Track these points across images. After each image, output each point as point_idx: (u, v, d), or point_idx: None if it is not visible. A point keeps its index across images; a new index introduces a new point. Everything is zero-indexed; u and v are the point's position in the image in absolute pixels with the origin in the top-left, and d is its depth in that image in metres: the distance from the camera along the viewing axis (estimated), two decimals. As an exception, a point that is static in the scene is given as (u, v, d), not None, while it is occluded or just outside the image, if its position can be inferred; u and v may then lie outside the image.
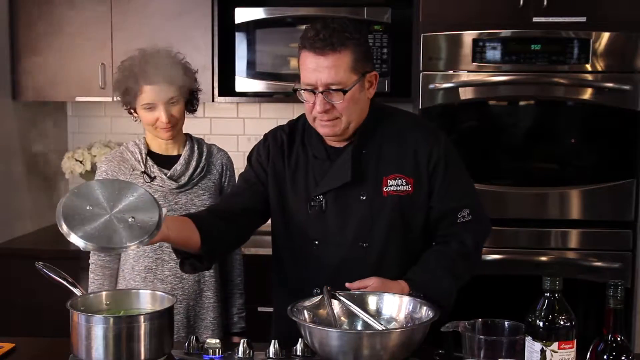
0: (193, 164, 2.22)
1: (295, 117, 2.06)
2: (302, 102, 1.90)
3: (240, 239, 2.01)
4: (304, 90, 1.84)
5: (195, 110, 2.29)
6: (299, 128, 2.02)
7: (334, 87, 1.80)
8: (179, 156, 2.23)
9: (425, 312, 1.67)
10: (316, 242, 1.94)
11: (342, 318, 1.73)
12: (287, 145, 1.99)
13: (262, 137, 2.06)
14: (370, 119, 1.93)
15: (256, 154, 2.03)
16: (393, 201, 1.91)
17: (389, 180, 1.91)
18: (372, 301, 1.75)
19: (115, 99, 2.24)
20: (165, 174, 2.19)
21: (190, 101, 2.24)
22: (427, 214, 1.95)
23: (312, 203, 1.93)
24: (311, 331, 1.57)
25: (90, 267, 2.21)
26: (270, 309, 2.11)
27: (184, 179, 2.20)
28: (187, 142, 2.26)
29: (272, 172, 1.99)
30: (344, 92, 1.80)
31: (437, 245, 1.98)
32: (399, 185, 1.91)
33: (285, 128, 2.04)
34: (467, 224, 1.94)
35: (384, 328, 1.67)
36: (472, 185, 2.03)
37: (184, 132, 2.28)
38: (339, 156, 1.92)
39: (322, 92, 1.81)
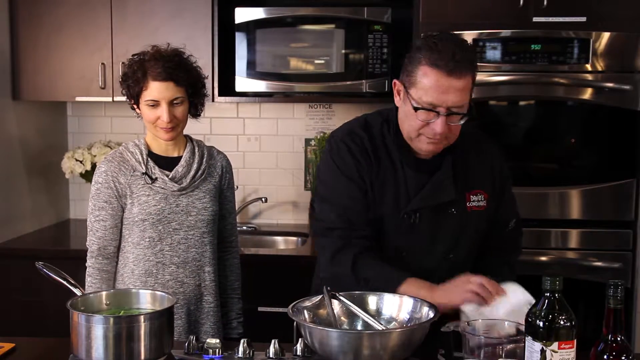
0: (194, 166, 2.21)
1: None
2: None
3: None
4: (423, 109, 1.80)
5: (199, 115, 2.27)
6: (376, 134, 1.97)
7: (455, 110, 1.79)
8: (179, 158, 2.21)
9: (425, 312, 1.67)
10: (404, 253, 1.94)
11: (342, 318, 1.73)
12: (372, 153, 1.94)
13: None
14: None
15: (351, 171, 1.94)
16: (475, 216, 1.97)
17: (471, 196, 1.97)
18: (372, 301, 1.75)
19: (114, 98, 2.23)
20: (167, 176, 2.17)
21: (195, 105, 2.23)
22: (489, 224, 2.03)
23: (405, 216, 1.92)
24: (311, 331, 1.57)
25: (87, 270, 2.18)
26: (270, 309, 2.10)
27: (185, 181, 2.18)
28: (188, 144, 2.24)
29: (366, 179, 1.94)
30: (464, 115, 1.81)
31: (497, 251, 2.07)
32: (479, 201, 1.97)
33: (361, 134, 1.97)
34: (513, 231, 2.09)
35: (384, 328, 1.67)
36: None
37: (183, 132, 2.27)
38: (429, 168, 1.92)
39: (446, 115, 1.80)
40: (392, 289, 1.80)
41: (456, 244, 1.97)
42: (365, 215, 1.93)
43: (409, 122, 1.86)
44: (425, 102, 1.79)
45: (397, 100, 1.92)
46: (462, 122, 1.83)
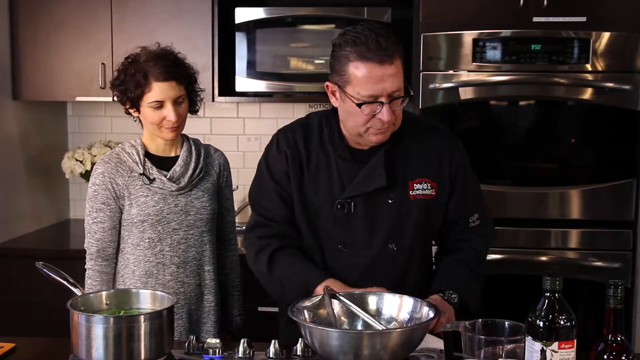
0: (192, 165, 2.20)
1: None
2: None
3: None
4: (366, 102, 1.80)
5: (197, 110, 2.27)
6: (313, 128, 1.99)
7: (396, 94, 1.79)
8: (176, 157, 2.20)
9: (425, 312, 1.67)
10: (343, 245, 1.93)
11: (342, 318, 1.73)
12: (303, 146, 1.96)
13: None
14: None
15: (273, 165, 1.99)
16: (420, 205, 1.93)
17: (414, 184, 1.93)
18: (372, 301, 1.75)
19: (114, 98, 2.22)
20: (165, 176, 2.16)
21: (193, 101, 2.22)
22: (445, 216, 1.99)
23: (339, 206, 1.92)
24: (311, 331, 1.57)
25: (87, 272, 2.17)
26: (270, 309, 2.11)
27: (183, 181, 2.18)
28: (184, 143, 2.24)
29: (292, 177, 1.96)
30: (404, 97, 1.81)
31: (453, 252, 2.02)
32: (424, 189, 1.94)
33: (296, 129, 2.01)
34: (476, 229, 2.02)
35: (384, 328, 1.67)
36: (480, 189, 2.07)
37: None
38: (366, 158, 1.91)
39: (389, 102, 1.79)
40: (308, 290, 1.84)
41: (397, 233, 1.93)
42: (284, 214, 1.97)
43: (353, 119, 1.85)
44: (365, 96, 1.79)
45: (334, 102, 1.91)
46: (404, 104, 1.83)
